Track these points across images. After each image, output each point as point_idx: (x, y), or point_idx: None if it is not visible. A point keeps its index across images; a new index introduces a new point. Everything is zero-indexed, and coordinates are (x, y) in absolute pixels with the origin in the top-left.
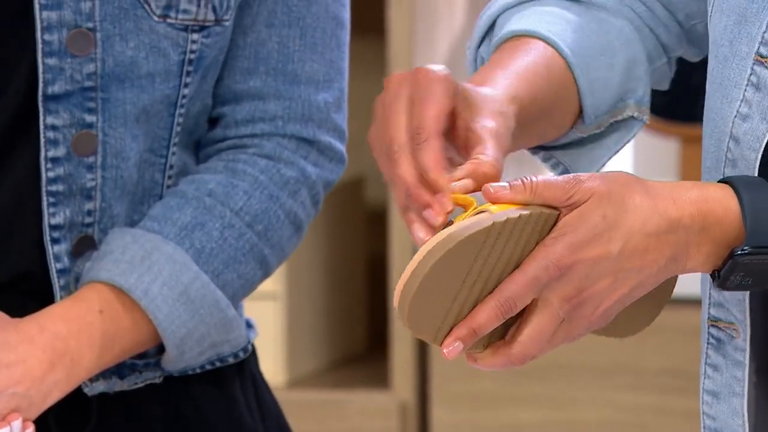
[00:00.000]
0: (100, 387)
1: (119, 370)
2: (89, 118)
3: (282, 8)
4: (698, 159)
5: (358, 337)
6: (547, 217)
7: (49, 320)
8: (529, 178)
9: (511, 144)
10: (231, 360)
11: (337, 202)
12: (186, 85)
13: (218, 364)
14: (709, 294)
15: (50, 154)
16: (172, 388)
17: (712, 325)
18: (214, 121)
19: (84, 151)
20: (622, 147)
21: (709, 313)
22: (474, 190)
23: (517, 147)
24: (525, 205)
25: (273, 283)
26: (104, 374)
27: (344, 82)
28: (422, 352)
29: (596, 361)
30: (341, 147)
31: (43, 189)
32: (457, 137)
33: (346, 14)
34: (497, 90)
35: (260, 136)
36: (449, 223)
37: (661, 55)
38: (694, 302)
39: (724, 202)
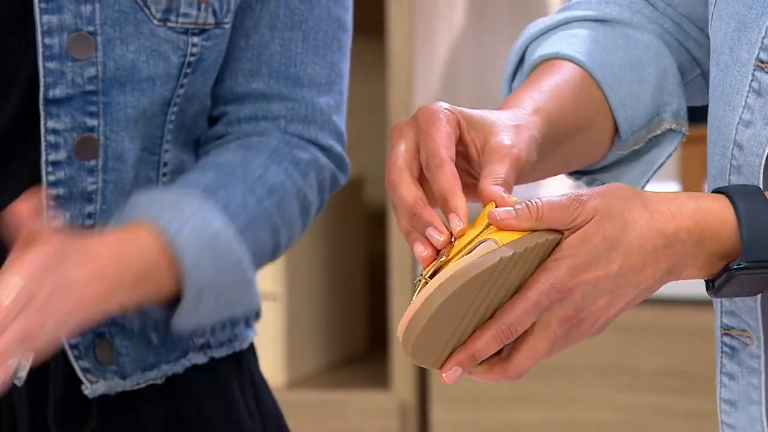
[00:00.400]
0: (100, 389)
1: (120, 370)
2: (90, 122)
3: (284, 11)
4: (698, 159)
5: (357, 338)
6: (550, 243)
7: (101, 246)
8: (534, 203)
9: (544, 160)
10: (242, 326)
11: (337, 202)
12: (182, 86)
13: (228, 329)
14: (721, 302)
15: (51, 157)
16: (173, 389)
17: (725, 334)
18: (214, 120)
19: (85, 155)
20: (665, 161)
21: (721, 322)
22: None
23: (554, 167)
24: (530, 231)
25: (273, 284)
26: (105, 375)
27: (344, 85)
28: None
29: (595, 361)
30: (341, 150)
31: (44, 192)
32: (473, 163)
33: (349, 17)
34: (521, 107)
35: (263, 133)
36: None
37: (694, 68)
38: (693, 303)
39: (721, 215)
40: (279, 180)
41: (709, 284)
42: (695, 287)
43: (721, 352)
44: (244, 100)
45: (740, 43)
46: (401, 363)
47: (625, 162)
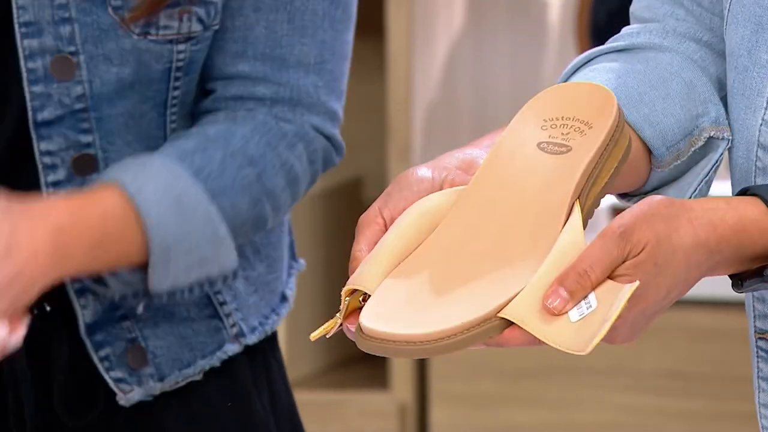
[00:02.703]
0: (136, 396)
1: (158, 372)
2: (85, 138)
3: None
4: None
5: None
6: None
7: (54, 211)
8: (583, 271)
9: None
10: (219, 283)
11: (336, 202)
12: (176, 88)
13: (206, 288)
14: (754, 307)
15: (50, 179)
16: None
17: (760, 338)
18: (205, 92)
19: (85, 171)
20: (712, 170)
21: (755, 326)
22: None
23: None
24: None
25: None
26: (140, 380)
27: (339, 61)
28: None
29: (595, 362)
30: (331, 129)
31: None
32: None
33: None
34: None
35: (252, 110)
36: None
37: None
38: (693, 303)
39: (761, 224)
40: (260, 152)
41: (737, 282)
42: (696, 288)
43: (757, 356)
44: (231, 79)
45: (759, 44)
46: (400, 364)
47: (672, 181)
